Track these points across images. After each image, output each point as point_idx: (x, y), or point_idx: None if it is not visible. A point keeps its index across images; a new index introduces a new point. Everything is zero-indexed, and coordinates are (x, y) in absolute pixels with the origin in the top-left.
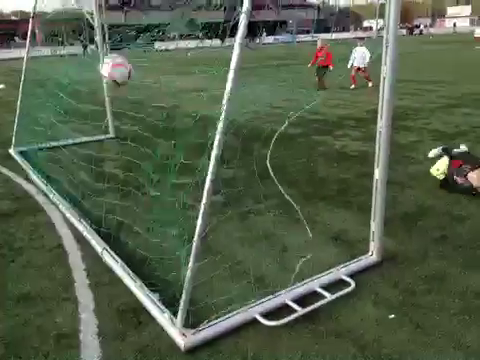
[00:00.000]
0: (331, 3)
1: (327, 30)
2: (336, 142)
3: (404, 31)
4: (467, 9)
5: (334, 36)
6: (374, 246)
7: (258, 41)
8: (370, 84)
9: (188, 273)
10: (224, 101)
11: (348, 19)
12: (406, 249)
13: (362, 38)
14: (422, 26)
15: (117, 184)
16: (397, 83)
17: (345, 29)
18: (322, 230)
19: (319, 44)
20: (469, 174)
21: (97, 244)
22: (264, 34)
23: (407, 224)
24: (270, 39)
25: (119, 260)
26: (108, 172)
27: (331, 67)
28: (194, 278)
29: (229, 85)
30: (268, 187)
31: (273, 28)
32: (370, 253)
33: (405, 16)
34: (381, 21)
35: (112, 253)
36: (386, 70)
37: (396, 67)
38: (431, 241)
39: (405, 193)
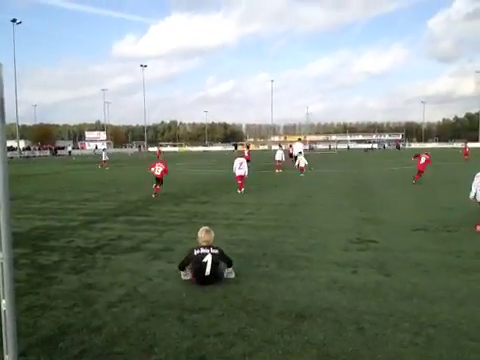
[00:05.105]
0: None
1: None
2: None
3: (48, 152)
4: (103, 134)
5: None
6: None
7: None
8: None
9: None
10: None
11: None
12: None
13: None
14: (70, 147)
15: None
16: (40, 203)
17: None
18: None
19: None
20: None
21: None
22: None
23: (48, 348)
24: None
25: None
26: None
27: None
28: None
29: None
30: None
31: None
32: None
33: (47, 138)
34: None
35: None
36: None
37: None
38: (72, 358)
39: (46, 315)
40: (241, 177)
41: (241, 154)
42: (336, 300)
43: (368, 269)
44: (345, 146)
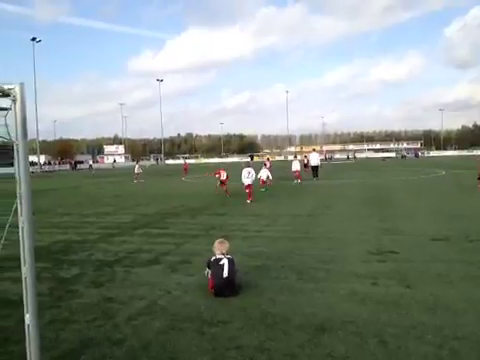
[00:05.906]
0: None
1: None
2: None
3: (68, 166)
4: (121, 148)
5: None
6: None
7: None
8: None
9: None
10: None
11: None
12: None
13: None
14: (91, 162)
15: None
16: (60, 217)
17: None
18: None
19: None
20: None
21: None
22: None
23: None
24: None
25: None
26: None
27: None
28: None
29: None
30: None
31: None
32: None
33: (66, 152)
34: None
35: None
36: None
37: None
38: None
39: (68, 328)
40: (249, 186)
41: (248, 164)
42: (357, 312)
43: (389, 280)
44: (363, 155)
